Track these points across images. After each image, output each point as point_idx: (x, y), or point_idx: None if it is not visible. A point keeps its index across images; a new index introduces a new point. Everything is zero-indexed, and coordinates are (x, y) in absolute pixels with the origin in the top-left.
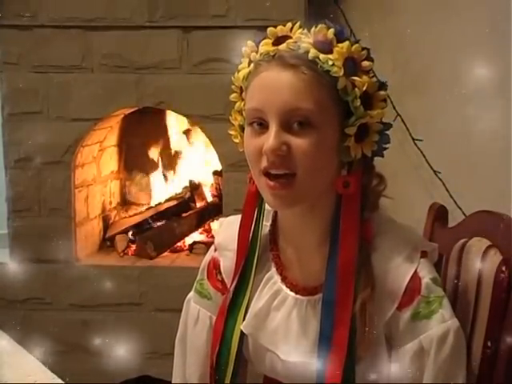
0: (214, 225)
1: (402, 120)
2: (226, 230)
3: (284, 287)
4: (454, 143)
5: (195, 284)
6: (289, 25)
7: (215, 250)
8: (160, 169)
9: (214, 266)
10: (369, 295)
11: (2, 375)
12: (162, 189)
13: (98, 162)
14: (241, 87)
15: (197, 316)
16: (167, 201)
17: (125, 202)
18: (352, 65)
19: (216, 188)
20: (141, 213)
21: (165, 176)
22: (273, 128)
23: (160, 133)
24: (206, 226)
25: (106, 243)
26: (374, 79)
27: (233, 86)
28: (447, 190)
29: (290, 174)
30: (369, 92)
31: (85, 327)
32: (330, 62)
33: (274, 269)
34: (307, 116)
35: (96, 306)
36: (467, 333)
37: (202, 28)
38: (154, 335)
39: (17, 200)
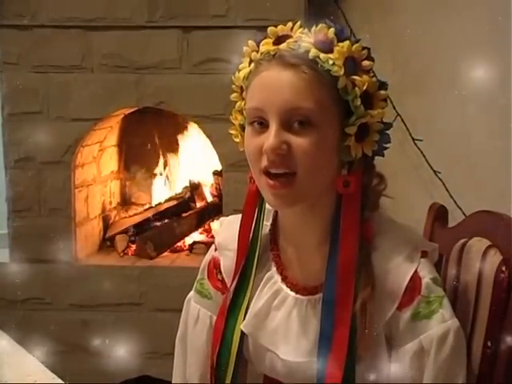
0: (214, 225)
1: (402, 120)
2: (226, 229)
3: (284, 287)
4: (453, 143)
5: (195, 284)
6: (289, 24)
7: (215, 249)
8: (160, 169)
9: (215, 265)
10: (369, 295)
11: (1, 375)
12: (162, 189)
13: (98, 162)
14: (241, 87)
15: (197, 316)
16: (167, 201)
17: (125, 202)
18: (352, 64)
19: (216, 188)
20: (141, 213)
21: (165, 176)
22: (273, 127)
23: (160, 133)
24: (206, 226)
25: (106, 243)
26: (375, 79)
27: (233, 86)
28: (447, 190)
29: (290, 174)
30: (369, 91)
31: (85, 327)
32: (331, 62)
33: (274, 268)
34: (307, 115)
35: (96, 306)
36: (467, 333)
37: (201, 28)
38: (154, 335)
39: (17, 200)
